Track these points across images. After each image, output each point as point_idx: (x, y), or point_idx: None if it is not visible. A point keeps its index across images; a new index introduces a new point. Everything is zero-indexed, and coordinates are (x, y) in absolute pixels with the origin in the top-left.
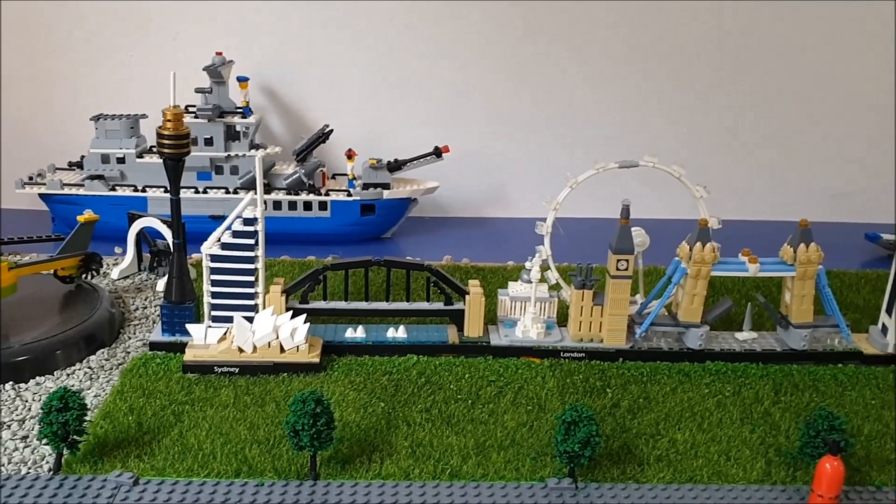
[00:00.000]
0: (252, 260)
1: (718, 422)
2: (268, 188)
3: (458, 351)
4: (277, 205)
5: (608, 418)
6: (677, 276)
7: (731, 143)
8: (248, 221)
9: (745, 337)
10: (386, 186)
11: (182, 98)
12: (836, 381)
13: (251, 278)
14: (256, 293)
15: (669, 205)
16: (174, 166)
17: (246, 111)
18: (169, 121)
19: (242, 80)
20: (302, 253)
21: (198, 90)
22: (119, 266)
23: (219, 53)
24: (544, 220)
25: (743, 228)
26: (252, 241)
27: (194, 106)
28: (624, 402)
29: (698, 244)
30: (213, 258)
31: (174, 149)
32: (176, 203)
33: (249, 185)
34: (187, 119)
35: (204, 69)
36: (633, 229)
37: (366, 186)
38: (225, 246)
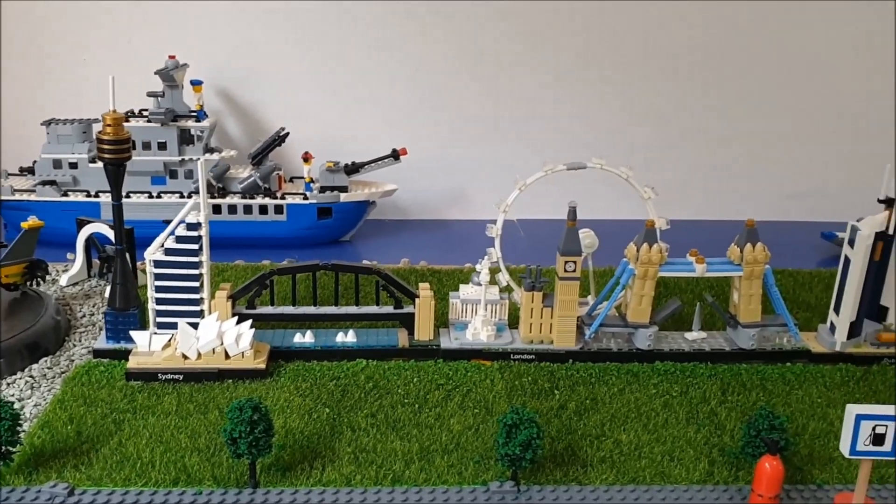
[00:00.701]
0: (196, 265)
1: (664, 422)
2: (223, 192)
3: (408, 355)
4: (233, 209)
5: (554, 420)
6: (625, 278)
7: (689, 142)
8: (191, 226)
9: (695, 337)
10: (343, 189)
11: (136, 102)
12: (784, 379)
13: (196, 284)
14: (202, 299)
15: (632, 205)
16: (115, 171)
17: (200, 115)
18: (109, 126)
19: (196, 83)
20: (257, 257)
21: (150, 94)
22: (68, 273)
23: (171, 57)
24: (495, 222)
25: (702, 228)
26: (196, 247)
27: (147, 110)
28: (571, 403)
29: (645, 245)
30: (157, 264)
31: (115, 154)
32: (118, 209)
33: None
34: (140, 123)
35: (156, 73)
36: (581, 231)
37: (323, 190)
38: (169, 251)
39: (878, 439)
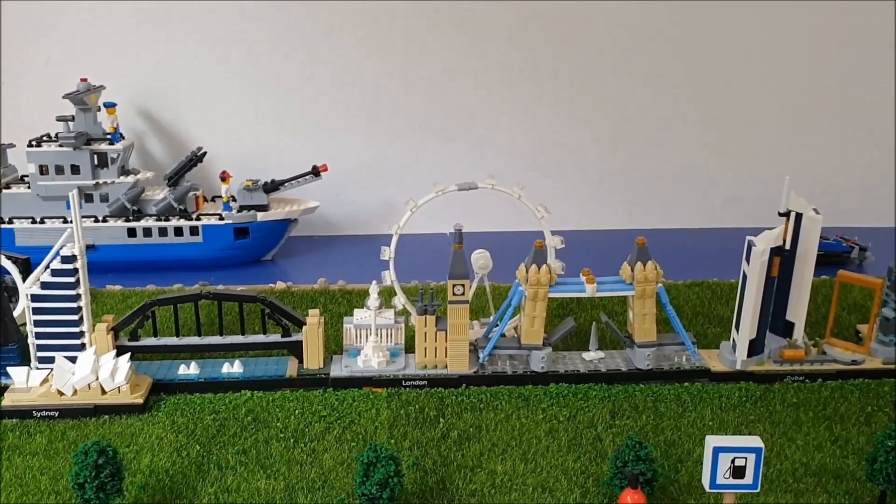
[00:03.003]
0: (75, 298)
1: (545, 450)
2: (138, 214)
3: (296, 385)
4: (148, 231)
5: (433, 451)
6: (516, 299)
7: (622, 149)
8: (66, 259)
9: (592, 357)
10: (263, 208)
11: (55, 126)
12: (679, 400)
13: (75, 317)
14: (82, 332)
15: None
16: None
17: (114, 137)
18: None
19: (109, 105)
20: (171, 280)
21: (59, 118)
22: None
23: (83, 80)
24: (389, 244)
25: (628, 238)
26: (73, 280)
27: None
28: (454, 432)
29: (534, 266)
30: (35, 298)
31: None
32: None
33: (119, 213)
34: (52, 147)
35: (65, 97)
36: (475, 252)
37: (241, 209)
38: (45, 285)
39: (738, 471)
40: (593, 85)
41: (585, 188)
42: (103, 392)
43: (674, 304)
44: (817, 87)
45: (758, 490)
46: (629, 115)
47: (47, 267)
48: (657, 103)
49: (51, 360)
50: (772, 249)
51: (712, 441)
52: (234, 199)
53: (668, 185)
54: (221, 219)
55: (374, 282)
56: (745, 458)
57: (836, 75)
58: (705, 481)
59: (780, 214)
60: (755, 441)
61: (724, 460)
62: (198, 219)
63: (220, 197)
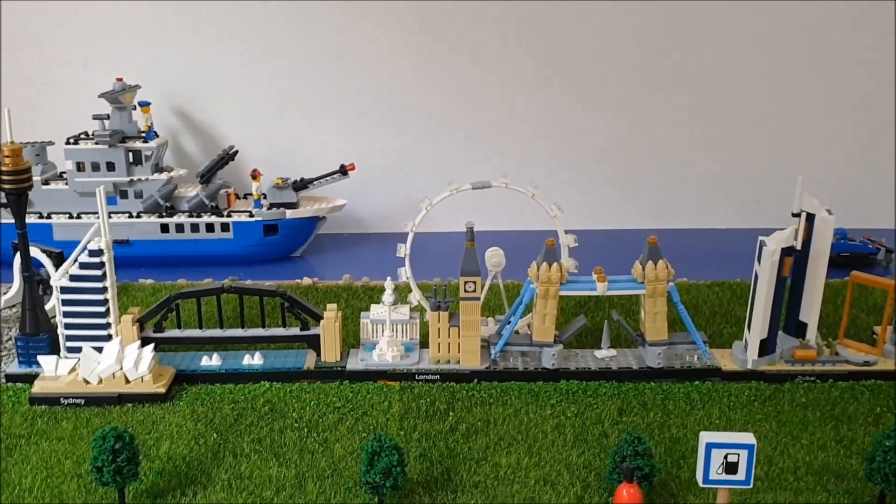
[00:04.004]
0: (101, 290)
1: (551, 444)
2: (171, 211)
3: (314, 377)
4: (180, 227)
5: (441, 443)
6: (528, 297)
7: (644, 148)
8: (93, 253)
9: (604, 355)
10: (292, 206)
11: (88, 124)
12: (688, 399)
13: (102, 309)
14: (109, 323)
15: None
16: (16, 200)
17: (148, 135)
18: (7, 156)
19: (144, 104)
20: (202, 275)
21: (95, 117)
22: (5, 295)
23: (119, 79)
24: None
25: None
26: (100, 273)
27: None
28: (462, 425)
29: (545, 264)
30: (64, 290)
31: (14, 184)
32: (23, 237)
33: (152, 209)
34: (89, 145)
35: (100, 96)
36: (489, 250)
37: (272, 206)
38: (73, 278)
39: (730, 468)
40: (614, 85)
41: (607, 187)
42: (127, 381)
43: (693, 303)
44: (843, 86)
45: (750, 486)
46: (651, 114)
47: (76, 260)
48: (678, 103)
49: (79, 349)
50: (783, 250)
51: (705, 437)
52: (265, 197)
53: (692, 184)
54: (251, 216)
55: (388, 278)
56: (738, 454)
57: (861, 74)
58: (699, 477)
59: (794, 215)
60: (748, 437)
61: (717, 456)
62: (229, 215)
63: (252, 194)
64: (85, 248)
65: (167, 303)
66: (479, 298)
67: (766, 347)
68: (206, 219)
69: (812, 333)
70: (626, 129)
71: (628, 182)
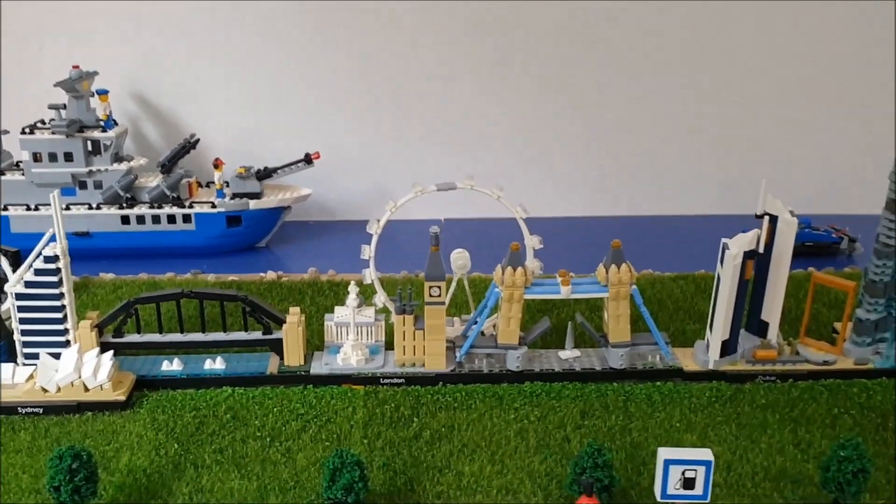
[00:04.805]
0: (58, 297)
1: (513, 451)
2: (132, 202)
3: (276, 381)
4: (141, 219)
5: (405, 451)
6: (493, 300)
7: (615, 135)
8: (48, 259)
9: (568, 355)
10: (255, 196)
11: (47, 113)
12: (650, 401)
13: (59, 315)
14: (66, 329)
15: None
16: None
17: (107, 124)
18: None
19: (102, 92)
20: (164, 268)
21: (51, 106)
22: None
23: (76, 67)
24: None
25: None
26: (56, 279)
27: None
28: (426, 432)
29: (509, 269)
30: (19, 296)
31: None
32: None
33: (112, 200)
34: (45, 135)
35: (56, 85)
36: (454, 252)
37: (235, 196)
38: (29, 284)
39: (688, 483)
40: (585, 73)
41: (580, 175)
42: (86, 390)
43: (657, 297)
44: (813, 71)
45: (708, 500)
46: (622, 102)
47: (31, 266)
48: (650, 89)
49: (37, 356)
50: (745, 253)
51: (664, 453)
52: (228, 185)
53: (664, 170)
54: (214, 207)
55: (352, 282)
56: (696, 471)
57: (829, 59)
58: (657, 492)
59: (757, 217)
60: (705, 454)
61: (675, 472)
62: (190, 206)
63: (214, 183)
64: (40, 253)
65: (126, 307)
66: (443, 303)
67: (728, 348)
68: (167, 210)
69: (773, 333)
70: (596, 116)
71: (598, 169)
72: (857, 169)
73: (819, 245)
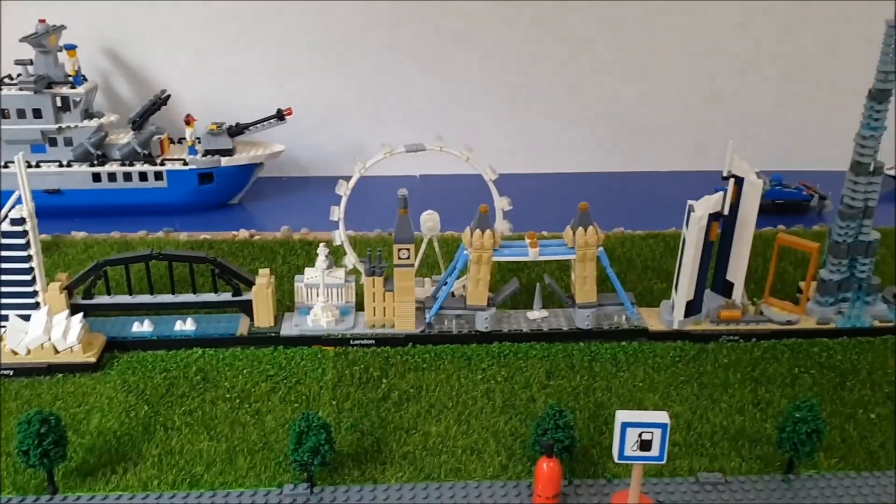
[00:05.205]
0: (26, 259)
1: (479, 411)
2: (103, 159)
3: (247, 343)
4: (112, 176)
5: (373, 412)
6: (461, 262)
7: (594, 90)
8: (15, 221)
9: (536, 316)
10: (228, 152)
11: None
12: (614, 360)
13: (28, 277)
14: (36, 292)
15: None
16: None
17: (76, 80)
18: None
19: (70, 48)
20: (136, 226)
21: (17, 62)
22: None
23: (42, 21)
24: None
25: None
26: (23, 241)
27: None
28: (395, 393)
29: (478, 231)
30: None
31: None
32: None
33: (83, 158)
34: (13, 91)
35: (22, 40)
36: (424, 214)
37: (206, 153)
38: None
39: (645, 445)
40: (557, 30)
41: (554, 131)
42: (56, 351)
43: (626, 257)
44: (786, 26)
45: (664, 461)
46: (594, 58)
47: None
48: (621, 45)
49: (6, 318)
50: (710, 215)
51: (621, 416)
52: (199, 141)
53: (638, 127)
54: (186, 164)
55: (321, 245)
56: (652, 433)
57: (802, 15)
58: (614, 453)
59: (723, 178)
60: (662, 416)
61: (632, 434)
62: (162, 164)
63: (186, 139)
64: (6, 216)
65: (95, 269)
66: (412, 265)
67: (693, 308)
68: (138, 167)
69: (738, 293)
70: (570, 73)
71: (572, 126)
72: (830, 124)
73: (789, 203)
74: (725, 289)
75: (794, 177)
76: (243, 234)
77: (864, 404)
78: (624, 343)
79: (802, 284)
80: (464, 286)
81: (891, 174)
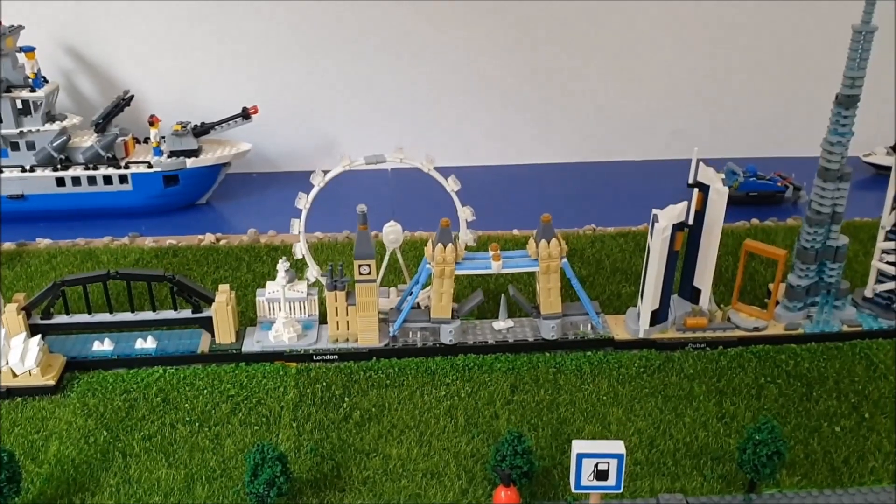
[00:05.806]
0: None
1: (441, 431)
2: (66, 163)
3: (208, 360)
4: (76, 180)
5: (334, 434)
6: (424, 276)
7: (562, 81)
8: None
9: (501, 326)
10: (193, 153)
11: None
12: (579, 372)
13: None
14: None
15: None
16: None
17: (36, 83)
18: None
19: (28, 50)
20: (101, 231)
21: None
22: None
23: None
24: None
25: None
26: None
27: None
28: (356, 412)
29: (440, 245)
30: None
31: None
32: None
33: (46, 162)
34: None
35: None
36: (386, 226)
37: (171, 154)
38: None
39: (601, 475)
40: (527, 19)
41: (528, 119)
42: (14, 375)
43: (595, 258)
44: (761, 11)
45: (620, 491)
46: (567, 48)
47: None
48: (592, 33)
49: None
50: (674, 225)
51: (577, 447)
52: (164, 140)
53: (616, 116)
54: (150, 167)
55: (281, 260)
56: (608, 463)
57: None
58: (571, 483)
59: (689, 186)
60: (618, 447)
61: (588, 465)
62: (126, 167)
63: (151, 140)
64: None
65: (53, 289)
66: (374, 280)
67: (659, 316)
68: (103, 171)
69: (705, 300)
70: (544, 62)
71: (546, 115)
72: (807, 108)
73: (764, 195)
74: (693, 294)
75: (771, 163)
76: (209, 238)
77: (829, 416)
78: (589, 353)
79: (772, 286)
80: (428, 296)
81: (869, 161)
